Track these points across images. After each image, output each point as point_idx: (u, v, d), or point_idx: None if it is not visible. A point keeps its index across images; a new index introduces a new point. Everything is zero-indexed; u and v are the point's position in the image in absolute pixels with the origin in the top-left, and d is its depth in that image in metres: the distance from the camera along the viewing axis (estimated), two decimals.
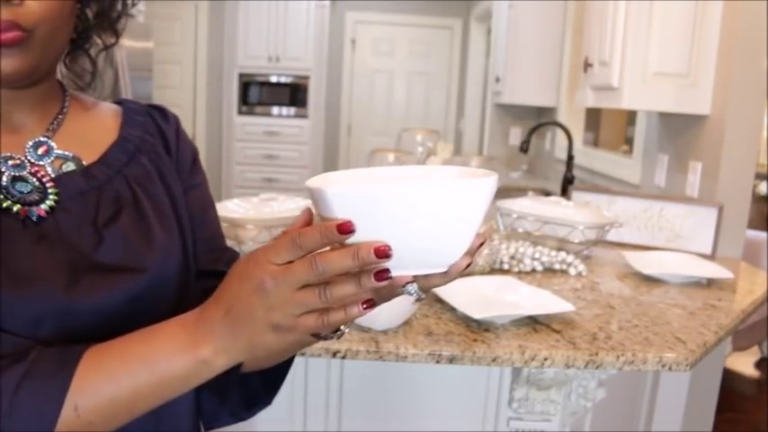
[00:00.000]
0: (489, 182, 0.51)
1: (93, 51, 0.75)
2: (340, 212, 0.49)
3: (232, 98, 5.98)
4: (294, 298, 0.50)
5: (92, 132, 0.71)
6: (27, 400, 0.53)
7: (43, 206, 0.63)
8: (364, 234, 0.50)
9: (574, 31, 3.74)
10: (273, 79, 5.94)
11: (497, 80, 4.34)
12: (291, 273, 0.49)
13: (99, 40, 0.74)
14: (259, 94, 5.98)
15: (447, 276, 0.54)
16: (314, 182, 0.53)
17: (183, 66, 5.85)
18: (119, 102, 0.77)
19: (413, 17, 6.32)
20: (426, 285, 0.55)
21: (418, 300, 0.56)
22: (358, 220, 0.49)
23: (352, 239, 0.50)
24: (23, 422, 0.52)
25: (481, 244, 0.55)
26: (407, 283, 0.55)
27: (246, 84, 5.95)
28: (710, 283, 1.69)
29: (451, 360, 1.14)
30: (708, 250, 1.99)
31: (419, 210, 0.50)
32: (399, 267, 0.52)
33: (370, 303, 0.51)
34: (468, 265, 0.54)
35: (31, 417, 0.53)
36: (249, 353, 0.54)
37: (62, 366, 0.54)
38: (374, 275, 0.49)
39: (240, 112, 5.99)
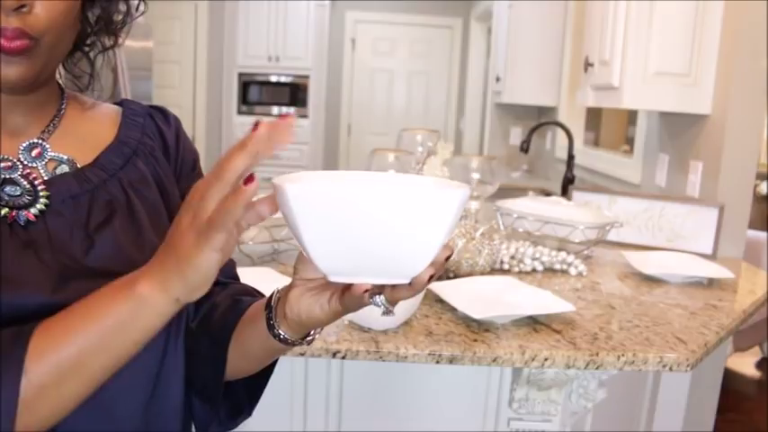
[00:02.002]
0: (455, 194, 0.49)
1: (91, 53, 0.74)
2: (299, 212, 0.48)
3: (232, 98, 5.97)
4: (204, 195, 0.49)
5: (89, 134, 0.70)
6: None
7: (33, 210, 0.62)
8: (324, 236, 0.49)
9: (574, 31, 3.74)
10: (273, 79, 5.94)
11: (497, 80, 4.33)
12: (205, 180, 0.49)
13: (99, 43, 0.73)
14: (259, 93, 5.98)
15: (412, 289, 0.53)
16: (280, 179, 0.51)
17: (183, 65, 5.85)
18: (120, 103, 0.76)
19: (413, 17, 6.32)
20: (393, 298, 0.55)
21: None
22: (317, 220, 0.48)
23: (311, 237, 0.49)
24: None
25: (448, 257, 0.53)
26: (374, 294, 0.54)
27: (246, 83, 5.94)
28: (711, 284, 1.68)
29: (452, 360, 1.13)
30: (708, 250, 1.99)
31: (379, 216, 0.48)
32: (360, 275, 0.51)
33: (251, 178, 0.48)
34: (432, 278, 0.53)
35: None
36: (181, 279, 0.51)
37: (11, 354, 0.52)
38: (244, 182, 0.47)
39: (240, 112, 5.99)
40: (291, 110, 5.97)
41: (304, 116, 5.98)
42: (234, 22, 5.80)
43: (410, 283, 0.53)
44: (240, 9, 5.76)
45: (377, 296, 0.55)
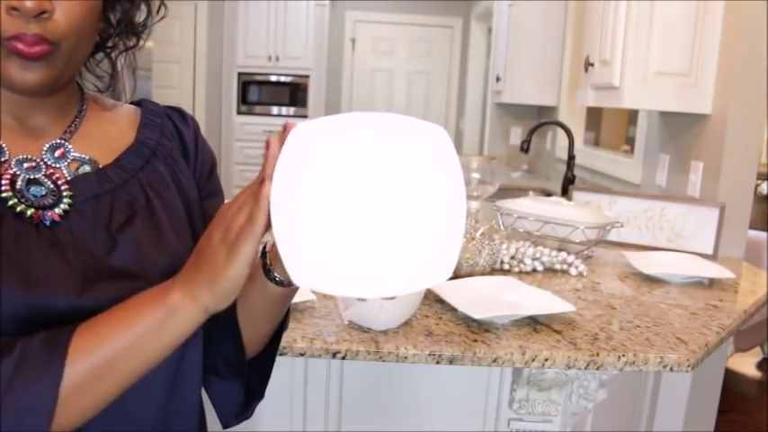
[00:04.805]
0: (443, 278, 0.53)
1: (113, 54, 0.75)
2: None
3: (231, 98, 5.97)
4: (237, 210, 0.56)
5: (109, 135, 0.71)
6: (21, 395, 0.52)
7: (57, 210, 0.62)
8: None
9: (574, 31, 3.74)
10: (273, 79, 5.94)
11: (498, 79, 4.33)
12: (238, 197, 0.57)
13: (121, 43, 0.74)
14: (258, 93, 5.97)
15: None
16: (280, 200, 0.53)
17: (183, 65, 5.84)
18: (138, 102, 0.77)
19: (413, 16, 6.32)
20: None
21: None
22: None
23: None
24: (20, 415, 0.52)
25: None
26: None
27: (246, 83, 5.94)
28: (712, 284, 1.68)
29: (452, 361, 1.13)
30: (709, 250, 1.99)
31: None
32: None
33: (262, 181, 0.55)
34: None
35: (28, 410, 0.53)
36: (211, 289, 0.56)
37: (52, 356, 0.54)
38: None
39: (240, 112, 5.99)
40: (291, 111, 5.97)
41: (304, 116, 5.98)
42: (234, 22, 5.79)
43: None
44: (240, 9, 5.75)
45: None
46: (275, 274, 0.65)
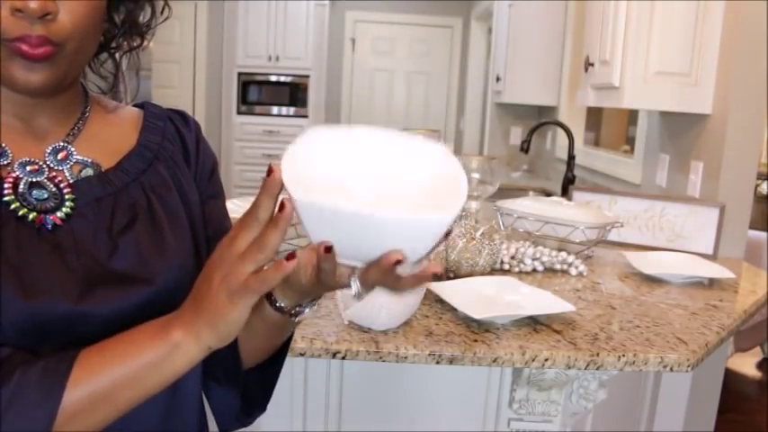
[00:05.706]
0: (440, 219, 0.52)
1: (117, 54, 0.75)
2: (305, 219, 0.54)
3: (231, 98, 5.97)
4: (241, 257, 0.53)
5: (111, 137, 0.71)
6: (15, 426, 0.52)
7: (59, 213, 0.62)
8: (317, 233, 0.55)
9: (574, 31, 3.74)
10: (273, 79, 5.94)
11: (498, 79, 4.33)
12: (238, 238, 0.54)
13: (125, 44, 0.74)
14: (258, 93, 5.97)
15: (382, 273, 0.55)
16: (291, 167, 0.53)
17: (183, 65, 5.84)
18: (140, 105, 0.77)
19: (413, 16, 6.32)
20: (365, 279, 0.56)
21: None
22: (318, 226, 0.54)
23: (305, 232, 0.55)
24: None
25: (435, 275, 0.57)
26: (350, 275, 0.57)
27: (246, 83, 5.94)
28: (712, 284, 1.68)
29: (452, 361, 1.13)
30: (709, 250, 1.99)
31: (371, 232, 0.53)
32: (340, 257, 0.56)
33: (292, 255, 0.53)
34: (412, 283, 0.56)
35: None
36: (213, 330, 0.55)
37: (50, 389, 0.54)
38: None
39: (239, 112, 5.98)
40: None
41: (304, 116, 5.98)
42: (234, 21, 5.79)
43: (384, 269, 0.54)
44: (240, 9, 5.75)
45: (352, 277, 0.57)
46: (275, 298, 0.64)
